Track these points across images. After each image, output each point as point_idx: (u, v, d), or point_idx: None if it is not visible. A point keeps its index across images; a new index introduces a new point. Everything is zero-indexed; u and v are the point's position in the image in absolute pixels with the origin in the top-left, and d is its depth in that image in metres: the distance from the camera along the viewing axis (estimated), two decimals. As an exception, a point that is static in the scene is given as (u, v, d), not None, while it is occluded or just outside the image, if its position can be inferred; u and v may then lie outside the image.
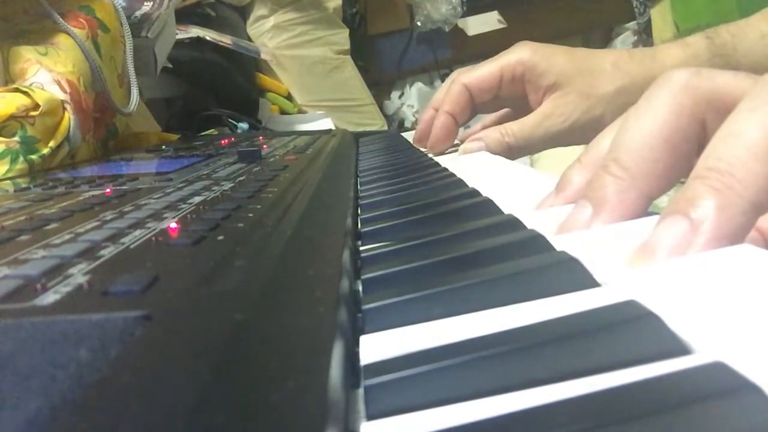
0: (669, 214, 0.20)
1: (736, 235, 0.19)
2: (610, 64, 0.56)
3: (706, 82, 0.24)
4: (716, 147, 0.20)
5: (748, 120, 0.20)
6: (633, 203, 0.24)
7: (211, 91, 1.27)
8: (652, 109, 0.24)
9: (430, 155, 0.59)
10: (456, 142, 0.63)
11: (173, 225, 0.24)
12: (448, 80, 0.61)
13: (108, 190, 0.36)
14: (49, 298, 0.16)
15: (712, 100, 0.24)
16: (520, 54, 0.57)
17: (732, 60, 0.54)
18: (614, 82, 0.55)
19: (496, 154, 0.55)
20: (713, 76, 0.24)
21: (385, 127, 1.83)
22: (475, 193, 0.33)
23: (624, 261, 0.20)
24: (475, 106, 0.60)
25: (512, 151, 0.57)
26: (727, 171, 0.19)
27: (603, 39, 2.11)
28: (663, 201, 0.28)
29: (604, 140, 0.28)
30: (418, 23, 2.04)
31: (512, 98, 0.60)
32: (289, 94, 1.64)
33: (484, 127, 0.64)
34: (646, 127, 0.24)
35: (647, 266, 0.19)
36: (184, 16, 1.23)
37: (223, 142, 0.73)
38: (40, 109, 0.53)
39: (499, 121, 0.63)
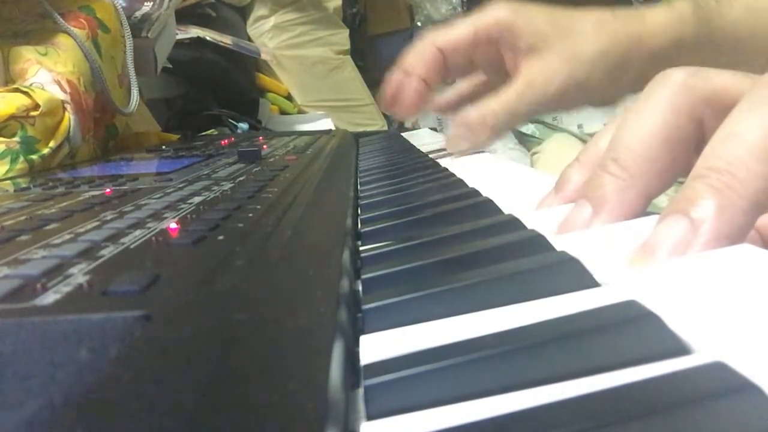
0: (669, 214, 0.20)
1: (736, 235, 0.19)
2: (592, 24, 0.51)
3: (704, 82, 0.24)
4: (716, 147, 0.20)
5: (747, 120, 0.20)
6: (632, 202, 0.24)
7: (211, 91, 1.27)
8: (650, 108, 0.24)
9: (429, 154, 0.58)
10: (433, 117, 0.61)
11: (173, 225, 0.24)
12: (419, 41, 0.55)
13: (108, 190, 0.36)
14: (49, 298, 0.16)
15: (711, 100, 0.24)
16: (497, 13, 0.52)
17: (717, 29, 0.51)
18: (597, 43, 0.50)
19: (480, 138, 0.52)
20: (711, 75, 0.24)
21: (385, 127, 1.83)
22: (475, 193, 0.33)
23: (624, 261, 0.20)
24: (447, 69, 0.55)
25: (497, 131, 0.53)
26: (727, 171, 0.19)
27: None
28: (663, 201, 0.28)
29: (602, 139, 0.28)
30: (418, 23, 2.05)
31: (487, 61, 0.55)
32: (289, 94, 1.64)
33: (460, 96, 0.61)
34: (644, 126, 0.24)
35: (647, 266, 0.19)
36: (184, 16, 1.23)
37: (223, 142, 0.73)
38: (41, 109, 0.53)
39: (475, 89, 0.59)
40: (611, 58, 0.50)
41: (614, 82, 0.51)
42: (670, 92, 0.24)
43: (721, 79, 0.24)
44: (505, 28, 0.52)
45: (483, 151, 0.57)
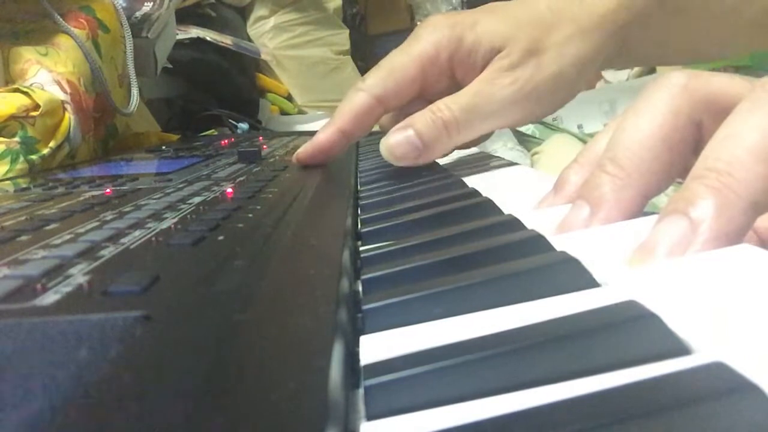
0: (668, 214, 0.20)
1: (735, 235, 0.19)
2: (549, 14, 0.44)
3: (703, 85, 0.24)
4: (715, 147, 0.20)
5: (747, 121, 0.20)
6: (630, 202, 0.24)
7: (211, 91, 1.27)
8: (650, 109, 0.24)
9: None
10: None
11: (173, 225, 0.24)
12: (352, 91, 0.45)
13: (108, 190, 0.36)
14: (49, 298, 0.16)
15: (710, 102, 0.24)
16: (434, 38, 0.44)
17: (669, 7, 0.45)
18: (561, 30, 0.43)
19: (429, 141, 0.42)
20: (711, 78, 0.24)
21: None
22: (475, 193, 0.33)
23: (624, 261, 0.20)
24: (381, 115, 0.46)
25: (450, 132, 0.42)
26: (726, 171, 0.19)
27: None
28: (662, 201, 0.28)
29: (601, 140, 0.28)
30: (418, 23, 2.04)
31: (439, 92, 0.45)
32: (289, 94, 1.64)
33: (381, 127, 0.50)
34: (643, 126, 0.24)
35: (647, 266, 0.19)
36: (184, 16, 1.23)
37: (223, 142, 0.73)
38: (41, 109, 0.53)
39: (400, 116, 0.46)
40: (580, 44, 0.43)
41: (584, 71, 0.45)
42: (669, 94, 0.24)
43: (720, 83, 0.24)
44: (452, 51, 0.44)
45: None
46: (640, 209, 0.24)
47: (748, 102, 0.21)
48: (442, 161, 0.52)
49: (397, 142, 0.42)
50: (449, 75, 0.45)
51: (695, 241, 0.19)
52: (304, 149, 0.46)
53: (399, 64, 0.45)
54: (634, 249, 0.20)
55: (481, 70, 0.44)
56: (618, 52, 0.46)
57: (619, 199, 0.24)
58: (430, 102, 0.43)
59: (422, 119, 0.42)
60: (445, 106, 0.42)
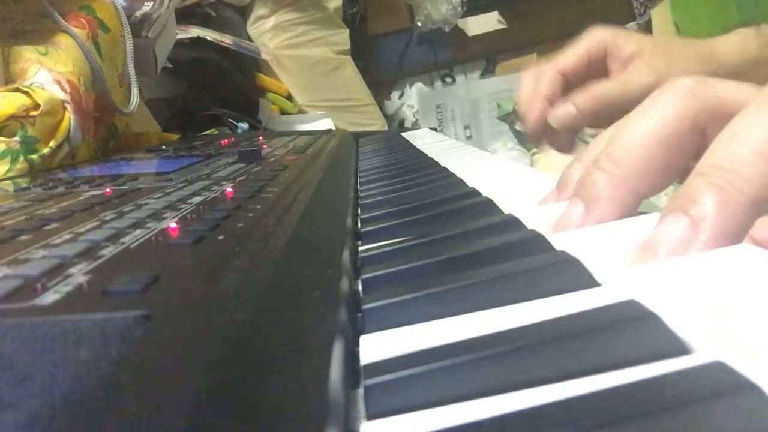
0: (670, 212, 0.20)
1: (736, 233, 0.19)
2: (676, 41, 0.61)
3: (711, 91, 0.24)
4: (719, 145, 0.20)
5: (752, 121, 0.20)
6: (623, 200, 0.24)
7: (211, 91, 1.27)
8: (654, 110, 0.24)
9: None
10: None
11: (173, 225, 0.24)
12: (526, 74, 0.62)
13: (108, 190, 0.36)
14: (49, 298, 0.16)
15: (716, 109, 0.24)
16: (599, 34, 0.60)
17: None
18: (686, 51, 0.58)
19: (585, 111, 0.57)
20: (718, 85, 0.24)
21: (385, 127, 1.83)
22: (475, 193, 0.33)
23: (625, 260, 0.20)
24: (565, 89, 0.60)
25: (602, 105, 0.57)
26: (729, 168, 0.19)
27: (603, 39, 2.11)
28: (663, 201, 0.28)
29: (603, 139, 0.28)
30: (418, 23, 2.04)
31: (597, 79, 0.60)
32: (289, 94, 1.64)
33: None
34: (645, 126, 0.24)
35: (648, 265, 0.19)
36: (184, 16, 1.23)
37: (223, 142, 0.73)
38: (41, 109, 0.53)
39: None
40: (699, 64, 0.57)
41: None
42: (676, 97, 0.24)
43: (727, 89, 0.24)
44: (609, 42, 0.59)
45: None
46: (633, 207, 0.24)
47: (754, 104, 0.21)
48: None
49: (562, 112, 0.59)
50: (603, 64, 0.60)
51: (697, 239, 0.19)
52: (533, 127, 0.61)
53: (572, 50, 0.61)
54: (637, 248, 0.20)
55: (626, 66, 0.58)
56: None
57: (612, 197, 0.24)
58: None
59: (581, 94, 0.58)
60: (599, 86, 0.57)
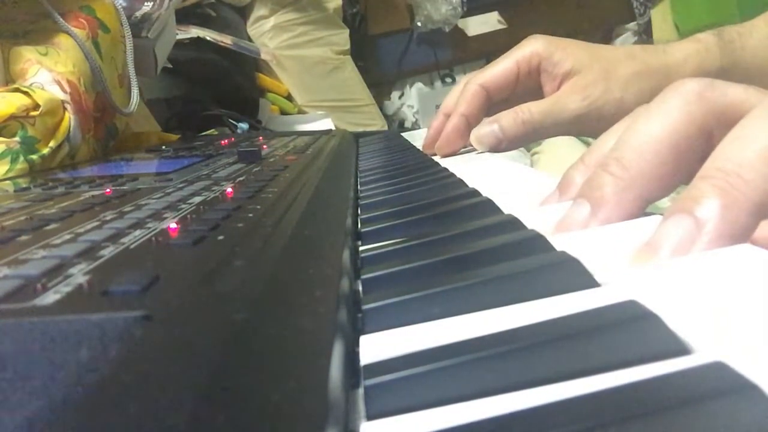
0: (674, 213, 0.20)
1: (740, 236, 0.19)
2: (623, 54, 0.56)
3: (718, 95, 0.24)
4: (725, 149, 0.20)
5: (757, 125, 0.20)
6: (631, 204, 0.24)
7: (211, 91, 1.27)
8: (662, 113, 0.24)
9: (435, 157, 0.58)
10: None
11: (173, 225, 0.24)
12: (459, 84, 0.59)
13: (108, 190, 0.36)
14: (49, 298, 0.16)
15: (723, 113, 0.24)
16: (534, 46, 0.57)
17: (739, 58, 0.55)
18: (629, 67, 0.55)
19: (511, 136, 0.54)
20: (726, 89, 0.24)
21: (385, 128, 1.83)
22: (475, 193, 0.33)
23: (627, 260, 0.20)
24: (490, 107, 0.58)
25: (528, 130, 0.54)
26: (734, 171, 0.19)
27: (603, 39, 2.11)
28: (665, 203, 0.28)
29: (608, 141, 0.28)
30: (418, 23, 2.04)
31: (527, 94, 0.58)
32: (289, 94, 1.64)
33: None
34: (654, 130, 0.24)
35: (650, 264, 0.19)
36: (184, 16, 1.23)
37: (223, 142, 0.73)
38: (41, 109, 0.53)
39: None
40: (644, 81, 0.54)
41: None
42: (684, 101, 0.24)
43: (734, 93, 0.24)
44: (543, 58, 0.56)
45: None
46: (640, 212, 0.24)
47: (759, 108, 0.21)
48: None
49: (485, 133, 0.55)
50: (536, 79, 0.57)
51: (700, 240, 0.19)
52: (426, 139, 0.61)
53: (501, 62, 0.58)
54: (639, 247, 0.20)
55: (560, 85, 0.56)
56: None
57: (620, 201, 0.24)
58: (518, 101, 0.56)
59: (507, 117, 0.54)
60: (527, 109, 0.54)
